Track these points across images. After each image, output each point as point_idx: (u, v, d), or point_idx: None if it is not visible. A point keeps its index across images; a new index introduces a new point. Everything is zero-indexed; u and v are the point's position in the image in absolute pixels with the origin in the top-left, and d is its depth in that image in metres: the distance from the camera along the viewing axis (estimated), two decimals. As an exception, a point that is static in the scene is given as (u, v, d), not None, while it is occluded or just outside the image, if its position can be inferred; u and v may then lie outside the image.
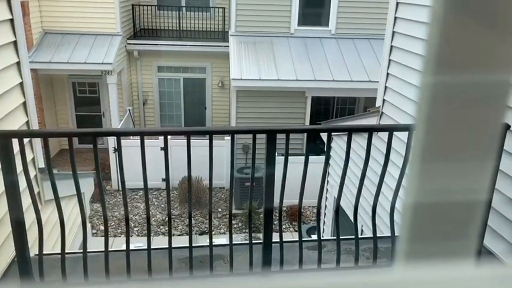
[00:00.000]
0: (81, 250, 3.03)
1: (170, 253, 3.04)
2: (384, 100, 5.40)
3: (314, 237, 6.13)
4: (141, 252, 3.26)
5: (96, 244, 4.53)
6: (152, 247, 3.02)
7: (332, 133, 5.57)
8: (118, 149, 2.74)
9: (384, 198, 3.77)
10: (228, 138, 9.68)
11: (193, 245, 3.07)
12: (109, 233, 4.20)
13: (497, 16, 0.36)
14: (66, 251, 2.97)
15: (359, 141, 5.20)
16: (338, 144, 6.41)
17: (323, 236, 6.94)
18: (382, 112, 5.46)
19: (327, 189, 7.19)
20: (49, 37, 11.59)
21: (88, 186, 5.16)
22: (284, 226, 9.60)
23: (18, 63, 3.71)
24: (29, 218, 2.97)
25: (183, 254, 3.46)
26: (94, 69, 11.21)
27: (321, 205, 3.30)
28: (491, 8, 0.36)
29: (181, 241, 6.18)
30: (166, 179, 2.85)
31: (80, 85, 13.01)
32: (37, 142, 4.01)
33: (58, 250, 3.04)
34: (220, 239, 6.25)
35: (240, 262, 3.38)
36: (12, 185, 2.61)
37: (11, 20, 3.59)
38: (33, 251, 3.09)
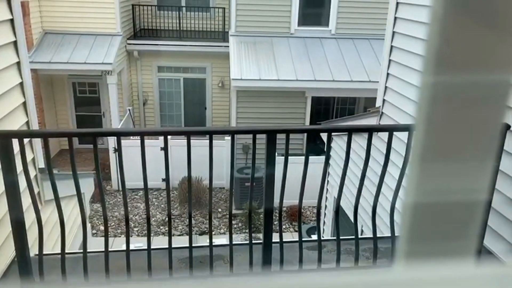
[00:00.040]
0: (81, 250, 3.03)
1: (170, 253, 3.04)
2: (384, 100, 5.40)
3: (314, 237, 6.13)
4: (141, 252, 3.26)
5: (96, 244, 4.53)
6: (152, 247, 3.02)
7: (332, 133, 5.57)
8: (118, 149, 2.75)
9: (384, 198, 3.77)
10: (228, 138, 9.68)
11: (193, 245, 3.07)
12: (109, 233, 4.21)
13: (497, 16, 0.36)
14: (66, 251, 2.97)
15: (359, 141, 5.20)
16: (338, 144, 6.41)
17: (323, 236, 6.94)
18: (382, 112, 5.46)
19: (327, 189, 7.19)
20: (49, 37, 11.59)
21: (88, 186, 5.16)
22: (284, 226, 9.60)
23: (18, 63, 3.71)
24: (29, 218, 2.97)
25: (183, 254, 3.46)
26: (94, 69, 11.21)
27: (321, 205, 3.30)
28: (491, 8, 0.36)
29: (181, 241, 6.18)
30: (166, 179, 2.85)
31: (80, 85, 13.01)
32: (37, 142, 4.01)
33: (58, 250, 3.04)
34: (220, 239, 6.26)
35: (240, 262, 3.38)
36: (12, 185, 2.61)
37: (11, 20, 3.59)
38: (33, 251, 3.09)
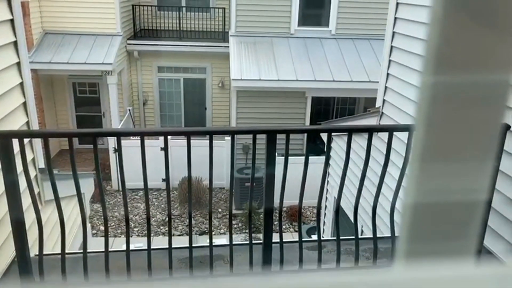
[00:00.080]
0: (81, 250, 3.03)
1: (170, 253, 3.04)
2: (384, 100, 5.40)
3: (314, 237, 6.13)
4: (141, 252, 3.26)
5: (96, 244, 4.53)
6: (152, 247, 3.02)
7: (332, 134, 5.57)
8: (118, 149, 2.75)
9: (384, 198, 3.77)
10: (228, 138, 9.68)
11: (193, 245, 3.07)
12: (109, 233, 4.21)
13: (497, 16, 0.36)
14: (66, 251, 2.97)
15: (359, 142, 5.20)
16: (338, 144, 6.41)
17: (323, 237, 6.94)
18: (382, 113, 5.46)
19: (327, 190, 7.19)
20: (49, 37, 11.59)
21: (88, 186, 5.17)
22: (284, 227, 9.60)
23: (18, 63, 3.71)
24: (29, 218, 2.97)
25: (183, 254, 3.46)
26: (94, 69, 11.21)
27: (321, 206, 3.30)
28: (491, 8, 0.36)
29: (181, 241, 6.18)
30: (166, 179, 2.85)
31: (80, 85, 13.01)
32: (37, 142, 4.01)
33: (58, 250, 3.04)
34: (220, 239, 6.26)
35: (240, 262, 3.38)
36: (12, 185, 2.61)
37: (12, 21, 3.59)
38: (33, 251, 3.09)
